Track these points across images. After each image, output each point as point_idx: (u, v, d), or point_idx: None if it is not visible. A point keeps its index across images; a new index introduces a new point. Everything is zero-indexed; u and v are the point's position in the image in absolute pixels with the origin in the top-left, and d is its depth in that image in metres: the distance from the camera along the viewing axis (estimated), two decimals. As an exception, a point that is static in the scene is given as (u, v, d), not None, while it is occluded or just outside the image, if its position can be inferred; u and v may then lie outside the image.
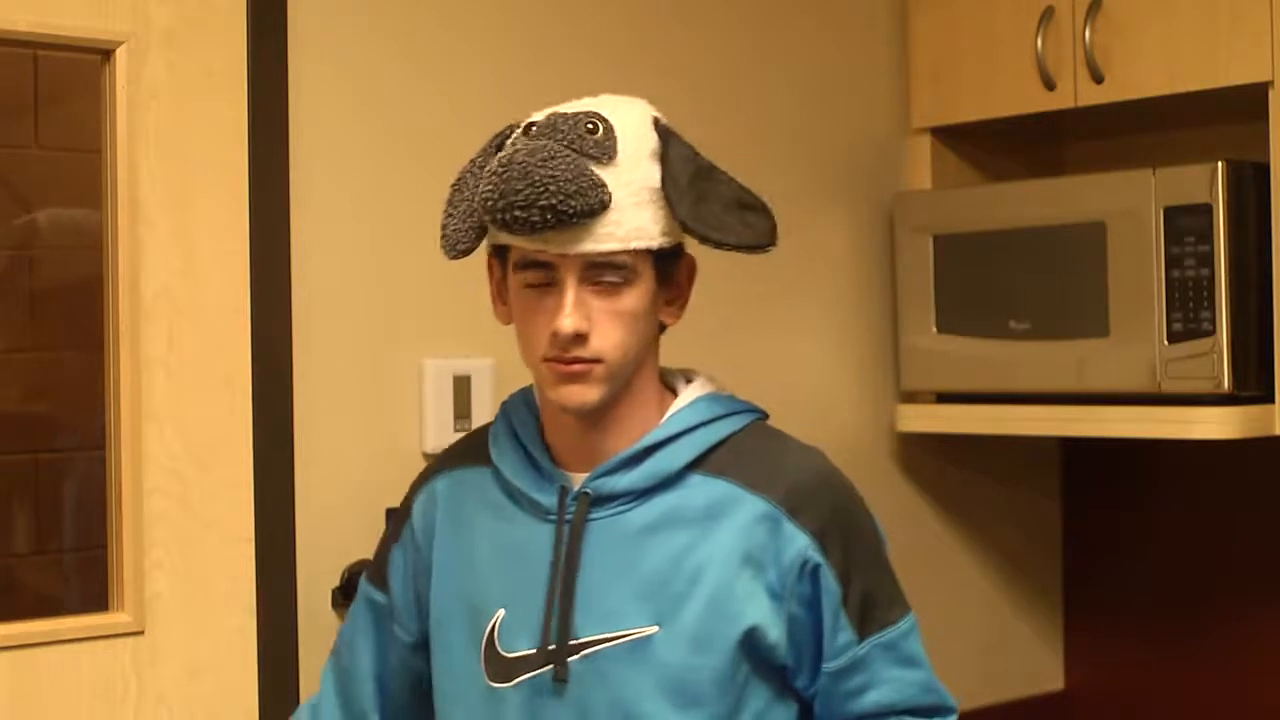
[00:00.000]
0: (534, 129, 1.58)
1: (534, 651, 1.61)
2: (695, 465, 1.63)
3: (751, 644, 1.59)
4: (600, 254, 1.54)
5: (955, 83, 2.66)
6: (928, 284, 2.60)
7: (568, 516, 1.62)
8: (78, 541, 2.07)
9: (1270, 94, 2.28)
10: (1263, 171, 2.30)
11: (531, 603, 1.62)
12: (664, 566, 1.59)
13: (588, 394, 1.58)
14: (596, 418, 1.62)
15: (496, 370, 2.22)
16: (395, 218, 2.17)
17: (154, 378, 1.96)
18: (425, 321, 2.19)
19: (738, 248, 1.60)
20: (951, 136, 2.72)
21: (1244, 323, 2.29)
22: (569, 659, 1.59)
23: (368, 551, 2.13)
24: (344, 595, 2.06)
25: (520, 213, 1.50)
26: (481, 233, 1.60)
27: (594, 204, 1.52)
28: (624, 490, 1.62)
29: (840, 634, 1.62)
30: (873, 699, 1.64)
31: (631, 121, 1.60)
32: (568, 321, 1.54)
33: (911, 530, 2.74)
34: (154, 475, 1.95)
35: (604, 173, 1.54)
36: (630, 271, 1.56)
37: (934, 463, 2.77)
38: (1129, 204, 2.35)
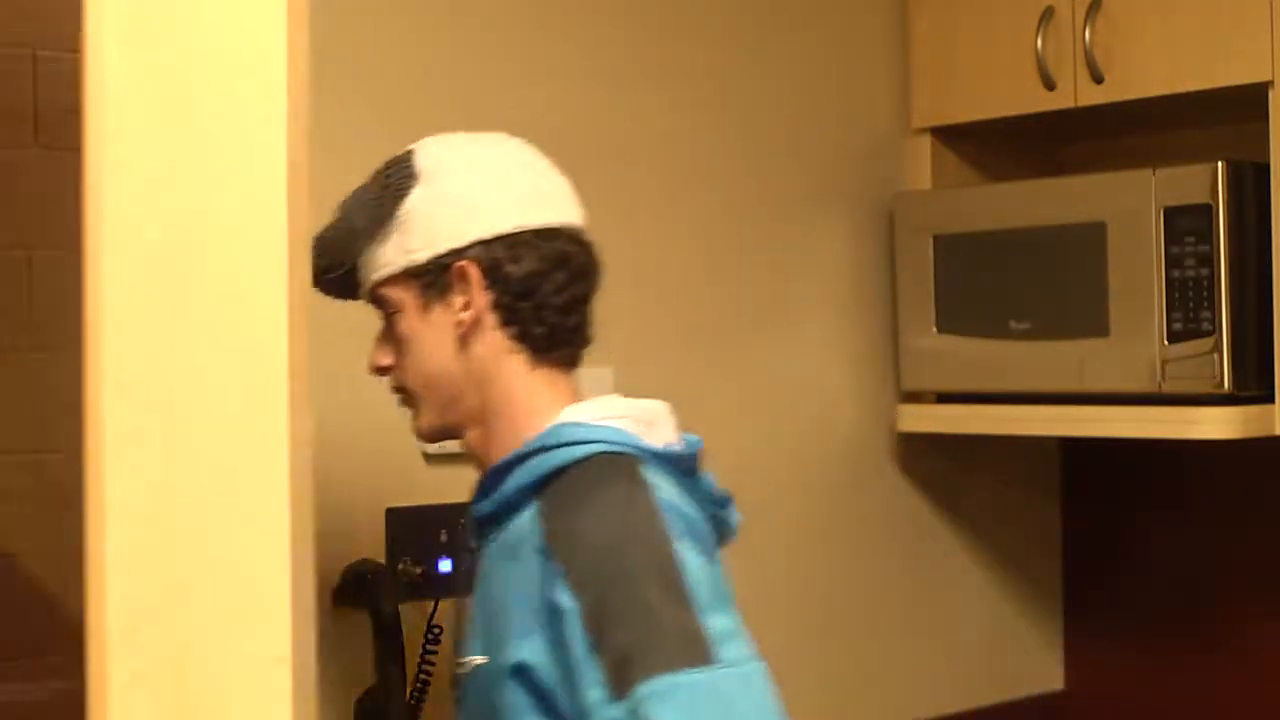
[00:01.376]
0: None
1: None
2: (536, 492, 1.54)
3: (528, 682, 1.49)
4: (373, 292, 1.65)
5: (955, 83, 2.66)
6: (928, 284, 2.60)
7: (474, 541, 1.67)
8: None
9: (1270, 94, 2.28)
10: (1263, 171, 2.29)
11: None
12: (490, 596, 1.58)
13: (414, 423, 1.68)
14: (467, 445, 1.66)
15: (496, 370, 2.22)
16: (395, 218, 2.17)
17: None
18: (425, 321, 2.19)
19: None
20: (951, 136, 2.72)
21: (1244, 323, 2.29)
22: (459, 674, 1.63)
23: (368, 552, 2.13)
24: (343, 596, 2.06)
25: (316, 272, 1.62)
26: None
27: (327, 264, 1.65)
28: (486, 515, 1.60)
29: (591, 689, 1.42)
30: None
31: (408, 160, 1.65)
32: (369, 360, 1.68)
33: (911, 530, 2.74)
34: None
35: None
36: (388, 303, 1.64)
37: (934, 463, 2.77)
38: (1129, 204, 2.35)
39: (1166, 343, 2.31)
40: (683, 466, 1.59)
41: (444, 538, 2.18)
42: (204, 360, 1.33)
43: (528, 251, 1.59)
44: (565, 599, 1.44)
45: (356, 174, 2.15)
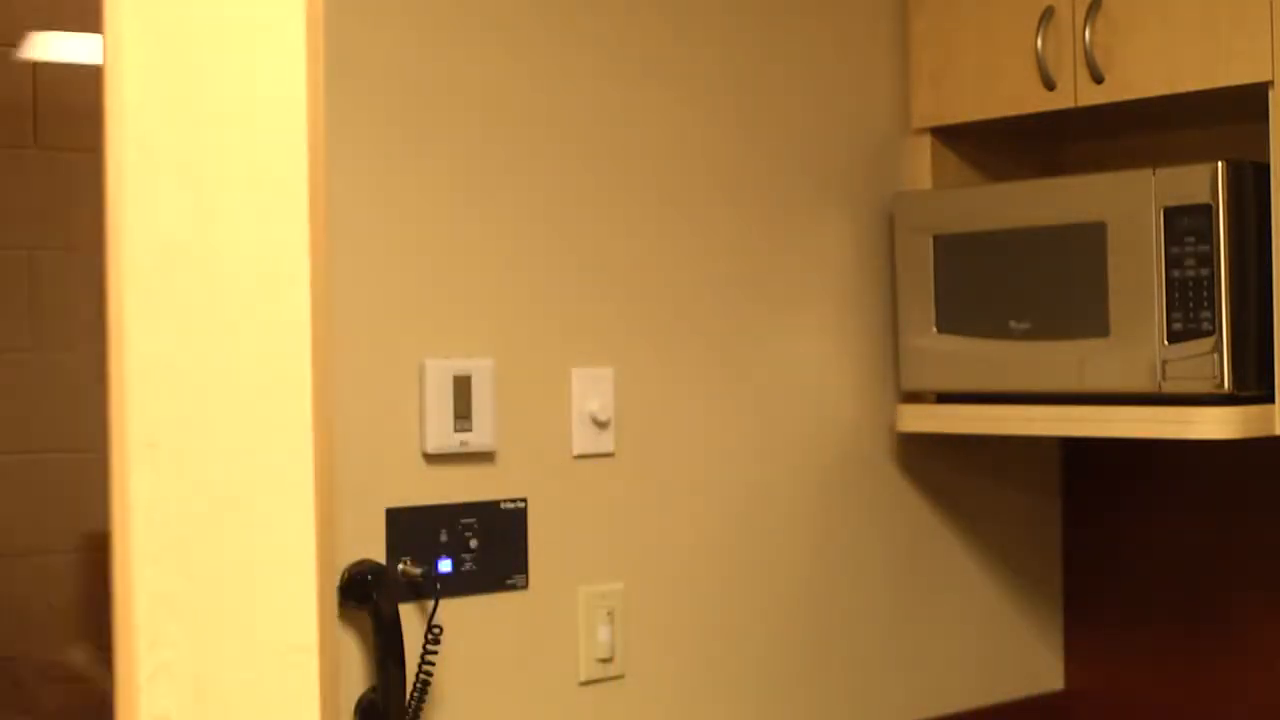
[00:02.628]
0: None
1: None
2: None
3: None
4: None
5: (955, 83, 2.66)
6: (928, 284, 2.60)
7: None
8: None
9: (1270, 94, 2.28)
10: (1263, 171, 2.29)
11: None
12: None
13: None
14: None
15: (496, 370, 2.22)
16: (395, 217, 2.17)
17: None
18: (425, 321, 2.19)
19: None
20: (951, 136, 2.72)
21: (1244, 323, 2.29)
22: None
23: (368, 552, 2.14)
24: (343, 596, 2.06)
25: None
26: None
27: None
28: None
29: None
30: None
31: None
32: None
33: (911, 530, 2.74)
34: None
35: None
36: None
37: (934, 463, 2.77)
38: (1129, 204, 2.35)
39: (1166, 343, 2.31)
40: None
41: (444, 538, 2.18)
42: (227, 357, 1.32)
43: None
44: None
45: (355, 175, 2.16)
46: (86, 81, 1.96)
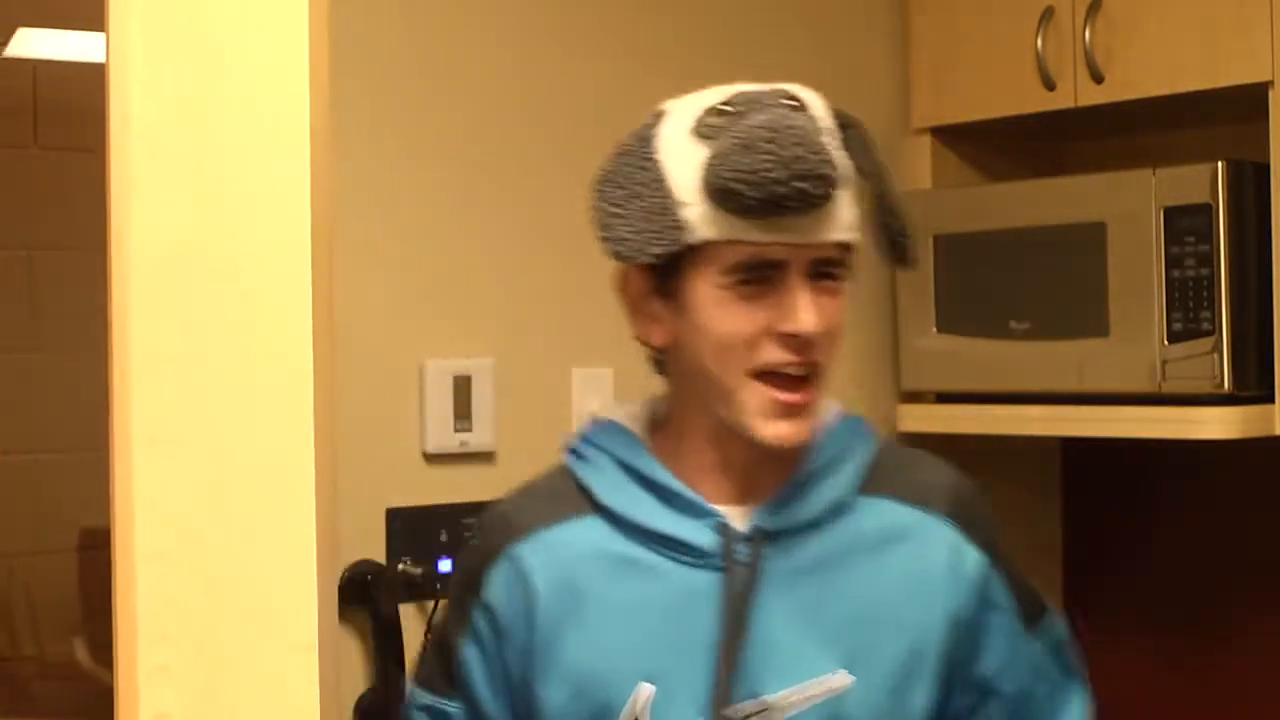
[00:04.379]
0: (733, 107, 1.38)
1: None
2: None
3: (948, 675, 1.44)
4: (837, 243, 1.39)
5: (955, 83, 2.66)
6: (928, 284, 2.59)
7: (738, 558, 1.40)
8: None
9: (1270, 94, 2.28)
10: (1263, 171, 2.29)
11: (694, 666, 1.38)
12: (848, 605, 1.41)
13: (803, 430, 1.39)
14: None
15: (496, 370, 2.22)
16: (395, 217, 2.17)
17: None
18: (425, 321, 2.19)
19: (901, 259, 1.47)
20: (951, 136, 2.72)
21: (1244, 323, 2.29)
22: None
23: (367, 552, 2.13)
24: (344, 596, 2.06)
25: (801, 184, 1.31)
26: (678, 228, 1.36)
27: (840, 182, 1.37)
28: (804, 522, 1.42)
29: (1023, 646, 1.50)
30: (1062, 701, 1.53)
31: (817, 103, 1.40)
32: (808, 318, 1.34)
33: (911, 530, 2.74)
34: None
35: None
36: (847, 268, 1.42)
37: (934, 463, 2.76)
38: (1129, 204, 2.35)
39: (1166, 343, 2.31)
40: None
41: (444, 538, 2.18)
42: (230, 355, 1.37)
43: None
44: (989, 570, 1.49)
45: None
46: (86, 81, 1.96)
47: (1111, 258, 2.36)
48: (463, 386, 2.21)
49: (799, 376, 1.37)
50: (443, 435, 2.19)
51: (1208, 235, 2.27)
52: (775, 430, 1.37)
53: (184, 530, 1.34)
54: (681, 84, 2.46)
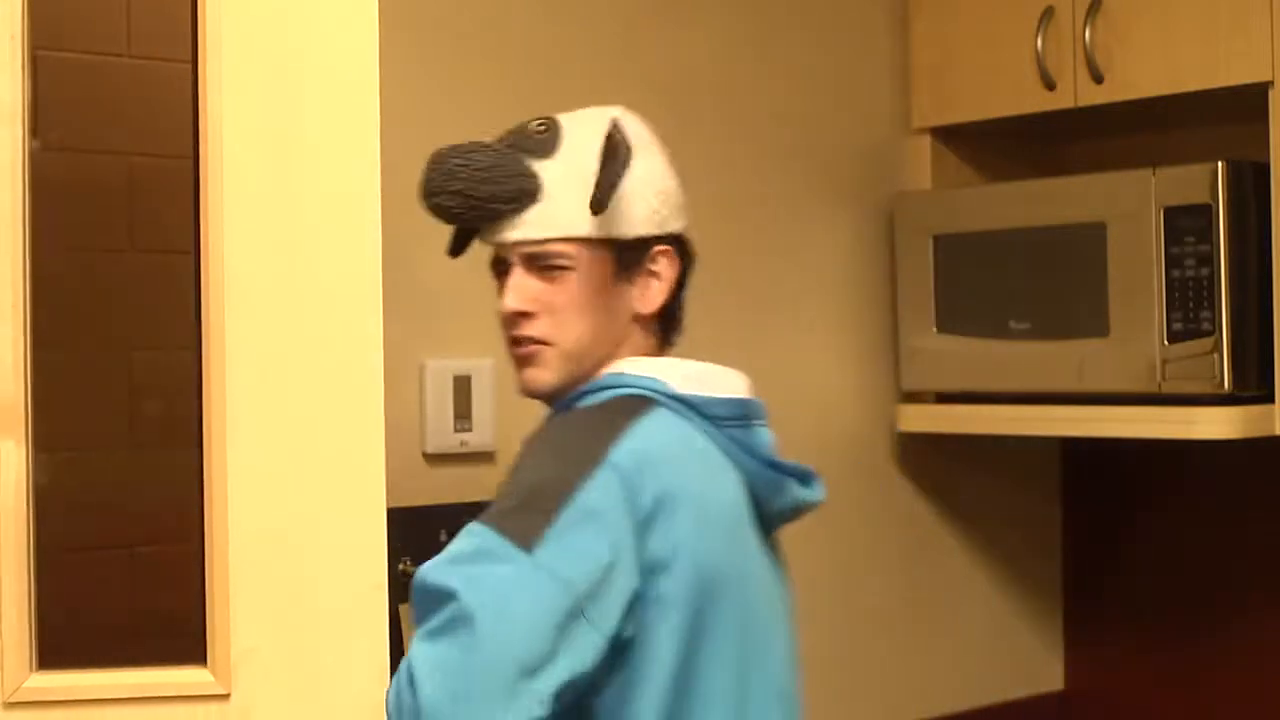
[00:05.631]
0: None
1: None
2: None
3: None
4: (530, 241, 1.58)
5: (955, 83, 2.66)
6: (928, 284, 2.60)
7: None
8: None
9: (1270, 94, 2.28)
10: (1263, 171, 2.29)
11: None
12: None
13: (540, 376, 1.60)
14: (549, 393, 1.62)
15: (497, 370, 2.22)
16: (394, 218, 2.17)
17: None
18: (425, 321, 2.19)
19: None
20: (951, 136, 2.72)
21: (1244, 323, 2.29)
22: None
23: (368, 551, 2.13)
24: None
25: (434, 199, 1.61)
26: (466, 235, 1.68)
27: (512, 191, 1.58)
28: None
29: None
30: None
31: (585, 122, 1.62)
32: (509, 299, 1.60)
33: (911, 530, 2.74)
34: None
35: (538, 165, 1.58)
36: (568, 259, 1.58)
37: (934, 463, 2.77)
38: (1129, 204, 2.35)
39: (1166, 343, 2.31)
40: (712, 414, 1.61)
41: (444, 538, 2.17)
42: (308, 355, 1.77)
43: (689, 250, 1.67)
44: None
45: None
46: (87, 80, 1.96)
47: (1111, 258, 2.36)
48: (463, 386, 2.21)
49: (521, 339, 1.61)
50: (443, 435, 2.18)
51: (1208, 235, 2.27)
52: (519, 378, 1.62)
53: (271, 486, 1.76)
54: (681, 84, 2.47)
